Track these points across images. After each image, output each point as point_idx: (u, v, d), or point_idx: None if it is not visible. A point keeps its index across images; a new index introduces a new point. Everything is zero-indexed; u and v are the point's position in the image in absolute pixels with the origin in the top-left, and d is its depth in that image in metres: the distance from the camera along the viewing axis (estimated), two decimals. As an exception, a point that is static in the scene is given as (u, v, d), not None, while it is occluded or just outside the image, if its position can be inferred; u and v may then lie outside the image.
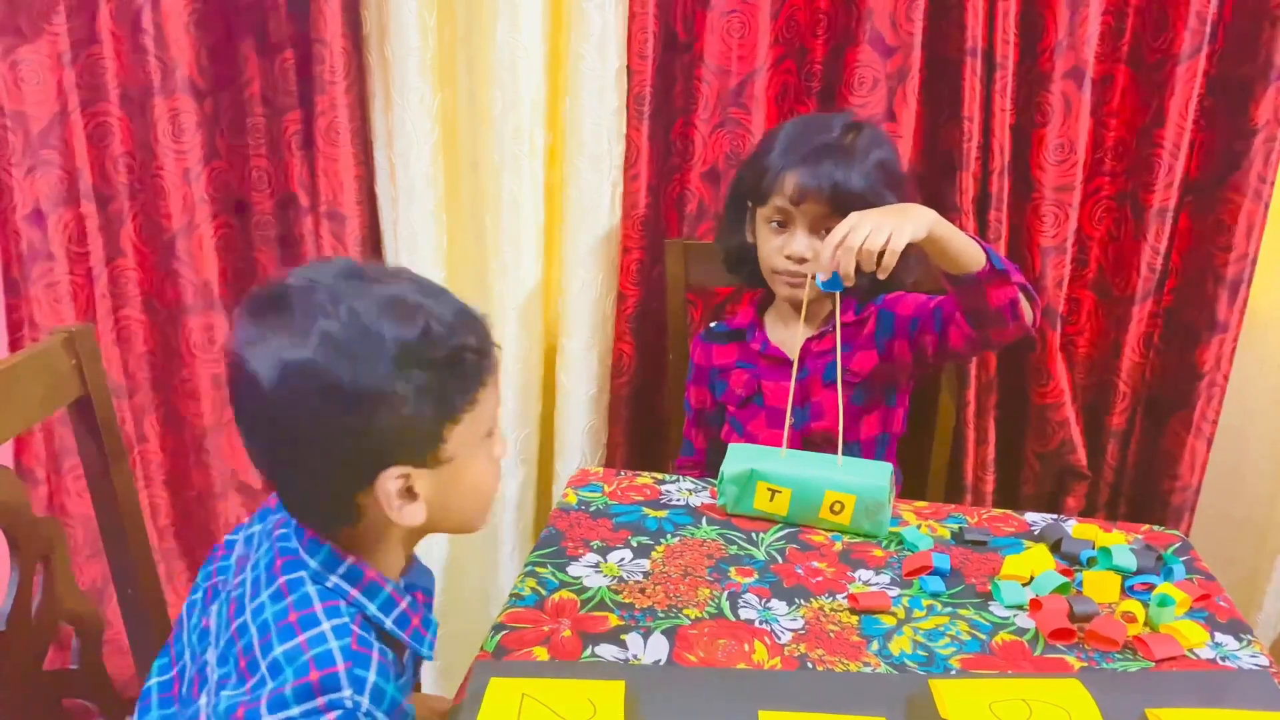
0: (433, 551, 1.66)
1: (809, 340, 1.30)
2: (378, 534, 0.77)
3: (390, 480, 0.72)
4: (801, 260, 1.24)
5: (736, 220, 1.34)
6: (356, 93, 1.46)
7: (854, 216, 1.07)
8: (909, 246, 1.07)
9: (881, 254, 1.05)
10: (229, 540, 0.86)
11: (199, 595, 0.84)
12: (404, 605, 0.78)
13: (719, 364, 1.38)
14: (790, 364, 1.29)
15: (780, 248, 1.25)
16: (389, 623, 0.76)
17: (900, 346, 1.27)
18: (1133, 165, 1.42)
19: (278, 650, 0.71)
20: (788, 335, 1.33)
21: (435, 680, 1.72)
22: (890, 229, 1.04)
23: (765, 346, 1.33)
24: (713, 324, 1.42)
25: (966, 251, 1.11)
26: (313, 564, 0.75)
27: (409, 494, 0.74)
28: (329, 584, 0.75)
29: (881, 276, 1.06)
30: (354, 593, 0.75)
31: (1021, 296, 1.16)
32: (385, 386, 0.69)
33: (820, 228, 1.23)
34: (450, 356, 0.72)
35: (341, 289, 0.70)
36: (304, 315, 0.68)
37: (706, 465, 1.43)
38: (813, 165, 1.20)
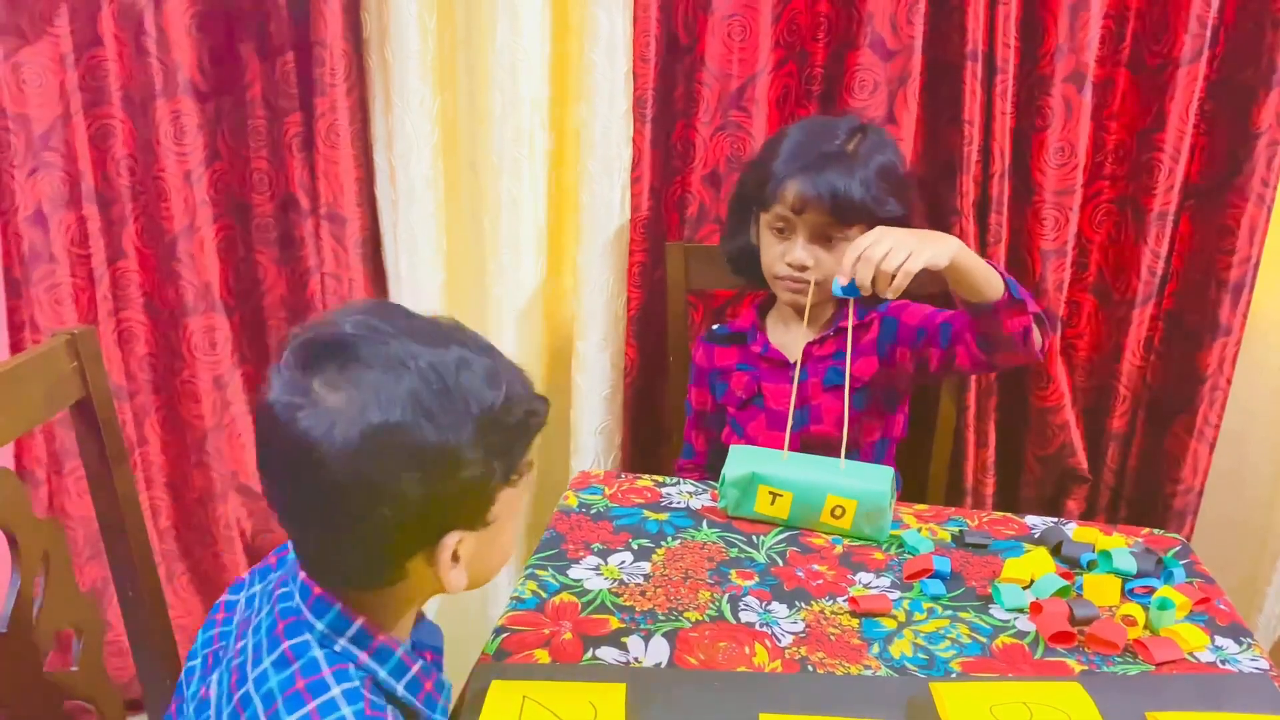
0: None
1: (810, 344, 1.31)
2: (410, 597, 0.74)
3: (449, 545, 0.69)
4: (802, 268, 1.24)
5: (741, 222, 1.34)
6: (357, 95, 1.46)
7: (879, 231, 1.08)
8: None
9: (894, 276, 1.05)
10: (228, 602, 0.82)
11: (197, 662, 0.80)
12: (416, 669, 0.74)
13: (720, 365, 1.38)
14: (791, 366, 1.29)
15: (782, 254, 1.26)
16: (401, 689, 0.72)
17: (902, 354, 1.27)
18: (1133, 169, 1.42)
19: None
20: (789, 338, 1.33)
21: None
22: (910, 250, 1.05)
23: (766, 349, 1.33)
24: (714, 326, 1.42)
25: (987, 281, 1.12)
26: (319, 626, 0.70)
27: (455, 557, 0.71)
28: (337, 647, 0.70)
29: (891, 296, 1.07)
30: (364, 657, 0.71)
31: (1034, 325, 1.16)
32: (466, 451, 0.66)
33: (821, 236, 1.23)
34: (522, 420, 0.70)
35: (409, 342, 0.66)
36: (387, 374, 0.64)
37: (707, 467, 1.43)
38: (814, 174, 1.20)
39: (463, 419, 0.66)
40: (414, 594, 0.75)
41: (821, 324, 1.32)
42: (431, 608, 1.67)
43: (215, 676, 0.76)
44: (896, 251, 1.05)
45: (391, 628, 0.74)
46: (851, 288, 1.08)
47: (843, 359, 1.30)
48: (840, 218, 1.20)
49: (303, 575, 0.72)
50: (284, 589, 0.74)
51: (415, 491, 0.65)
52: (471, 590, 0.77)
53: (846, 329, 1.30)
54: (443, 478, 0.66)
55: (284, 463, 0.67)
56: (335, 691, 0.68)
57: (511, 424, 0.69)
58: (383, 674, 0.72)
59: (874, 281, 1.06)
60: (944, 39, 1.38)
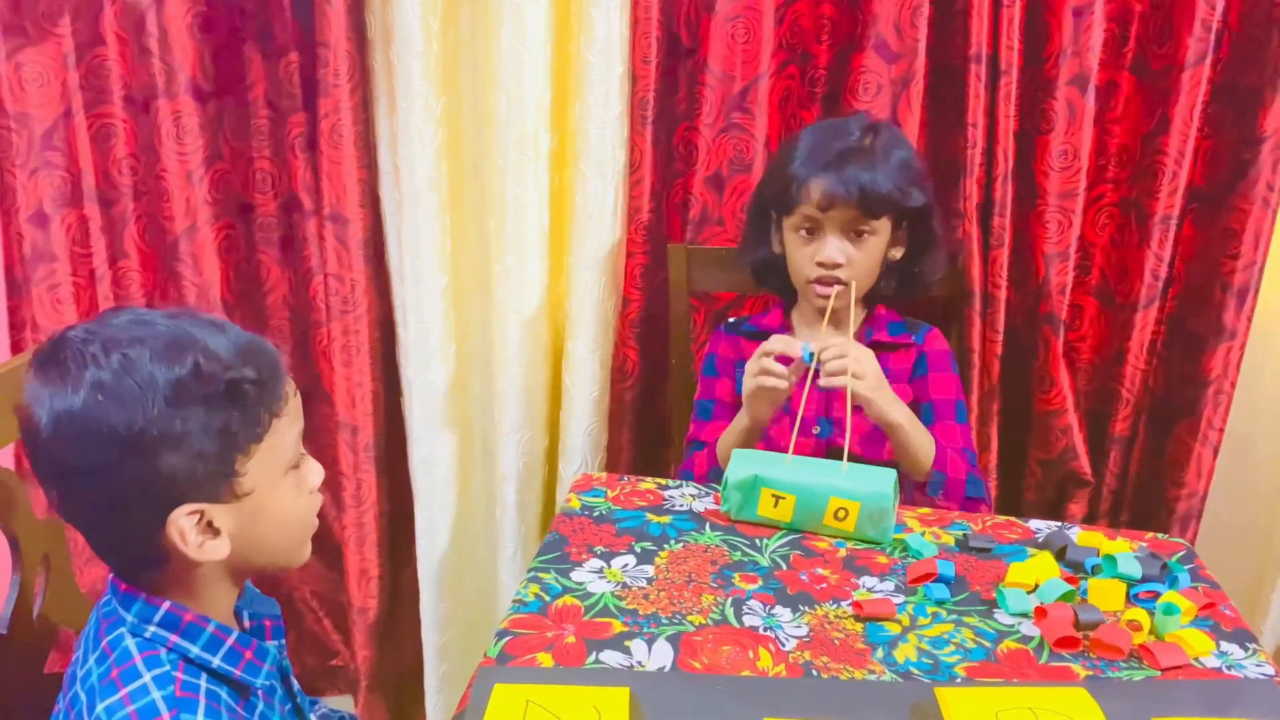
0: (432, 556, 1.66)
1: None
2: (191, 574, 0.76)
3: (181, 518, 0.72)
4: (835, 265, 1.24)
5: (761, 232, 1.34)
6: (360, 96, 1.46)
7: (867, 356, 1.18)
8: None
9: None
10: None
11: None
12: (231, 641, 0.77)
13: (749, 358, 1.37)
14: (817, 371, 1.29)
15: (812, 255, 1.26)
16: (216, 662, 0.76)
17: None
18: (1136, 172, 1.42)
19: (99, 708, 0.71)
20: (814, 341, 1.33)
21: (438, 685, 1.71)
22: (868, 380, 1.16)
23: None
24: (731, 319, 1.42)
25: (915, 464, 1.23)
26: (129, 618, 0.75)
27: (210, 530, 0.74)
28: (147, 635, 0.74)
29: (822, 384, 1.17)
30: (174, 638, 0.75)
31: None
32: (160, 427, 0.69)
33: (850, 230, 1.23)
34: (228, 391, 0.71)
35: (119, 337, 0.70)
36: (76, 366, 0.69)
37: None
38: (837, 170, 1.21)
39: (151, 399, 0.68)
40: (192, 571, 0.76)
41: (849, 333, 1.32)
42: (436, 608, 1.68)
43: (60, 694, 0.79)
44: (860, 370, 1.16)
45: (200, 606, 0.77)
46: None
47: None
48: (868, 211, 1.21)
49: (111, 577, 0.77)
50: (105, 596, 0.78)
51: (115, 471, 0.70)
52: (284, 567, 0.82)
53: (881, 343, 1.31)
54: (141, 455, 0.69)
55: (28, 455, 0.73)
56: (146, 678, 0.72)
57: (211, 395, 0.71)
58: (195, 651, 0.75)
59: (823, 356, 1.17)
60: (948, 42, 1.38)
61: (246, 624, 0.85)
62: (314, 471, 0.82)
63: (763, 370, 1.19)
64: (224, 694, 0.76)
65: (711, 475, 1.30)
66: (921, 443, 1.22)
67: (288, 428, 0.77)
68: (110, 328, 0.71)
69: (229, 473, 0.73)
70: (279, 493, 0.78)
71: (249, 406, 0.73)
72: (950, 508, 1.22)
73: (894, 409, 1.19)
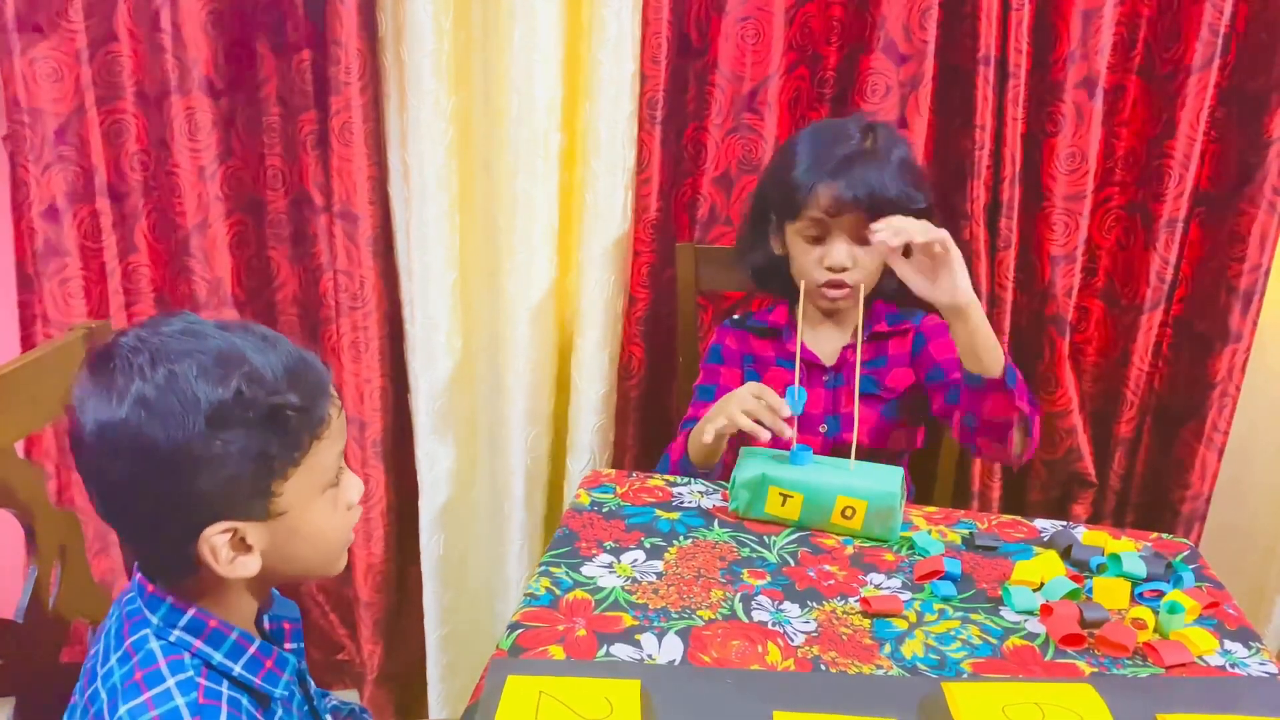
0: (435, 549, 1.66)
1: (845, 349, 1.31)
2: (221, 582, 0.76)
3: (214, 535, 0.72)
4: (843, 269, 1.25)
5: (761, 235, 1.35)
6: (371, 94, 1.47)
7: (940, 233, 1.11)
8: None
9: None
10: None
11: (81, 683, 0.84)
12: (252, 650, 0.77)
13: (757, 354, 1.38)
14: (823, 368, 1.31)
15: (820, 259, 1.26)
16: (237, 669, 0.76)
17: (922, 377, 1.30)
18: (1143, 175, 1.43)
19: (123, 709, 0.71)
20: (818, 340, 1.34)
21: (441, 676, 1.72)
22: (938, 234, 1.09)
23: (801, 350, 1.34)
24: (737, 315, 1.42)
25: (988, 351, 1.14)
26: (155, 620, 0.75)
27: (242, 545, 0.74)
28: (172, 639, 0.75)
29: (883, 235, 1.09)
30: (198, 644, 0.75)
31: (1017, 427, 1.17)
32: (199, 447, 0.69)
33: (858, 234, 1.24)
34: (270, 415, 0.71)
35: (168, 349, 0.70)
36: (123, 376, 0.69)
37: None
38: (844, 175, 1.21)
39: (193, 418, 0.68)
40: (220, 579, 0.76)
41: (852, 330, 1.33)
42: (439, 600, 1.68)
43: (78, 685, 0.79)
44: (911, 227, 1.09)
45: (225, 613, 0.77)
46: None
47: (877, 367, 1.32)
48: (876, 214, 1.21)
49: (138, 575, 0.77)
50: (130, 593, 0.78)
51: (151, 484, 0.70)
52: (316, 576, 0.83)
53: (880, 334, 1.32)
54: (178, 473, 0.69)
55: (72, 454, 0.73)
56: (170, 683, 0.72)
57: (253, 419, 0.70)
58: (218, 658, 0.76)
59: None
60: (957, 44, 1.39)
61: (267, 626, 0.85)
62: (352, 487, 0.82)
63: (751, 415, 1.15)
64: (245, 701, 0.76)
65: (681, 464, 1.29)
66: (990, 332, 1.15)
67: (328, 449, 0.76)
68: (161, 336, 0.71)
69: (265, 493, 0.73)
70: (314, 511, 0.77)
71: (290, 431, 0.73)
72: (1020, 406, 1.16)
73: (967, 283, 1.12)
